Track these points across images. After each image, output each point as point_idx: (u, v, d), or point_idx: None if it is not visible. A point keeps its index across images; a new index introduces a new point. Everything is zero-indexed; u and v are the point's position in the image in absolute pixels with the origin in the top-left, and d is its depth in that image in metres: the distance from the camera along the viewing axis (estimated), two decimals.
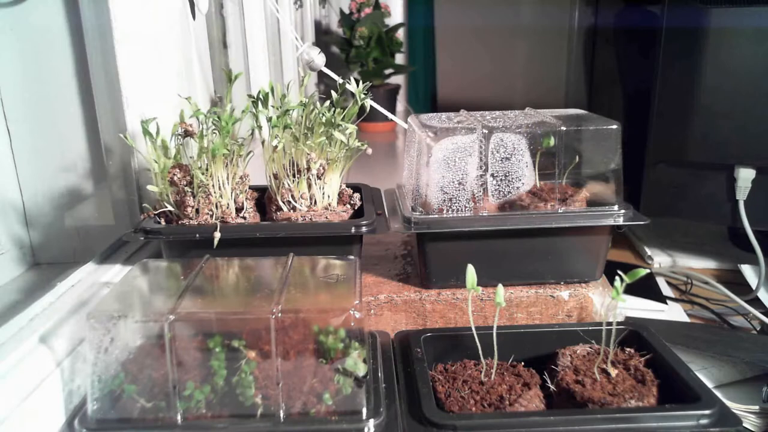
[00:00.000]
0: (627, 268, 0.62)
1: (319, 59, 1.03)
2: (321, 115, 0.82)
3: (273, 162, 0.84)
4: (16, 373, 0.57)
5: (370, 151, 0.86)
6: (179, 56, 0.99)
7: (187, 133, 0.79)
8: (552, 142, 0.81)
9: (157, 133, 0.78)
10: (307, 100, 0.84)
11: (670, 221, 1.37)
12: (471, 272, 0.63)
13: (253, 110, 0.82)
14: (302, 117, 0.84)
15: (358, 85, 0.85)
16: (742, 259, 1.19)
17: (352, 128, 0.83)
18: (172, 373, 0.57)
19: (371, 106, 0.87)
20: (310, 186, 0.83)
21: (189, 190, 0.78)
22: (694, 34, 1.05)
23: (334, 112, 0.83)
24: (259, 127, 0.83)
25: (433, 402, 0.61)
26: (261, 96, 0.82)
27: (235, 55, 1.54)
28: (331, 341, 0.58)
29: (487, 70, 2.99)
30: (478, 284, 0.63)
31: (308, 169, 0.81)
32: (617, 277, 0.61)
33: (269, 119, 0.82)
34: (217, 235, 0.75)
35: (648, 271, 0.62)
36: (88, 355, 0.58)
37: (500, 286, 0.63)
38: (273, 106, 0.83)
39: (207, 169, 0.78)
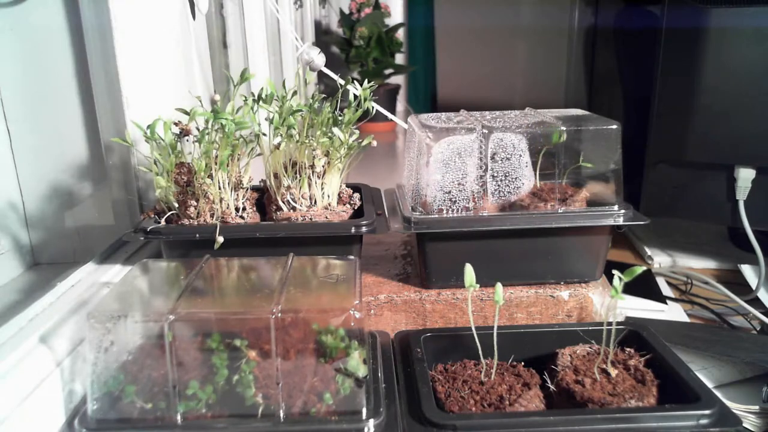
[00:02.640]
0: (627, 268, 0.62)
1: (319, 59, 1.03)
2: (325, 114, 0.83)
3: (273, 162, 0.84)
4: (16, 373, 0.57)
5: (375, 143, 0.86)
6: (179, 56, 0.99)
7: (184, 133, 0.79)
8: (560, 137, 0.80)
9: (163, 137, 0.78)
10: (311, 101, 0.84)
11: (670, 221, 1.37)
12: (469, 271, 0.63)
13: (254, 110, 0.82)
14: (304, 117, 0.84)
15: (361, 86, 0.85)
16: (742, 259, 1.19)
17: (349, 127, 0.83)
18: (172, 373, 0.57)
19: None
20: (310, 186, 0.83)
21: (190, 190, 0.78)
22: (694, 34, 1.05)
23: (335, 110, 0.83)
24: (260, 129, 0.83)
25: (433, 402, 0.61)
26: (263, 96, 0.82)
27: (235, 55, 1.54)
28: (331, 341, 0.58)
29: (487, 70, 2.99)
30: (478, 285, 0.63)
31: (312, 166, 0.81)
32: (616, 276, 0.61)
33: (271, 120, 0.82)
34: (220, 239, 0.75)
35: (645, 268, 0.62)
36: (88, 355, 0.58)
37: (499, 285, 0.63)
38: (276, 101, 0.83)
39: (207, 170, 0.78)
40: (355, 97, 0.85)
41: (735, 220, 1.10)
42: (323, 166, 0.82)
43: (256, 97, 0.82)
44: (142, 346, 0.59)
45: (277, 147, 0.83)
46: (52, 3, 0.83)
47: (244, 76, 0.81)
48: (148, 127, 0.77)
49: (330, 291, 0.66)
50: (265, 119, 0.83)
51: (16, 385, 0.56)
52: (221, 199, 0.79)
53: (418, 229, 0.80)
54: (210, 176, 0.78)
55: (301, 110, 0.81)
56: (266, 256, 0.73)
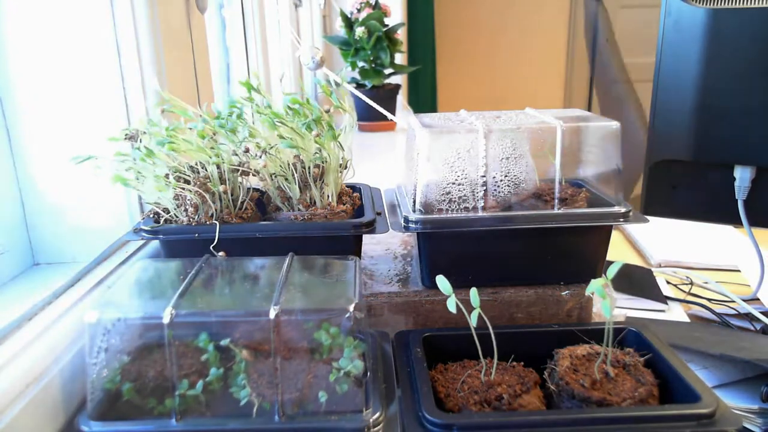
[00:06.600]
0: (626, 268, 0.62)
1: (318, 59, 1.03)
2: (319, 116, 0.83)
3: (272, 162, 0.84)
4: (16, 373, 0.57)
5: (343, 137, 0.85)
6: (180, 56, 0.99)
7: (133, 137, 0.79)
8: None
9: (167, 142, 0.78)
10: (317, 106, 0.84)
11: (670, 221, 1.37)
12: (441, 280, 0.65)
13: (251, 111, 0.82)
14: (303, 117, 0.84)
15: (358, 87, 0.85)
16: (742, 259, 1.19)
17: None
18: (171, 372, 0.57)
19: (371, 106, 0.87)
20: (309, 186, 0.83)
21: (190, 191, 0.78)
22: (694, 34, 1.05)
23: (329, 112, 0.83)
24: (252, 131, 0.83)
25: (432, 402, 0.61)
26: (262, 98, 0.82)
27: (236, 55, 1.54)
28: (330, 341, 0.58)
29: (487, 70, 3.00)
30: (477, 284, 0.64)
31: (310, 166, 0.81)
32: (598, 280, 0.61)
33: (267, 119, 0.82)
34: (222, 255, 0.75)
35: (623, 263, 0.62)
36: (87, 355, 0.58)
37: (473, 290, 0.63)
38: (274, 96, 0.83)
39: (205, 169, 0.78)
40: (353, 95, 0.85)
41: (735, 220, 1.10)
42: (320, 167, 0.82)
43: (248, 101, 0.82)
44: (141, 346, 0.59)
45: (275, 148, 0.83)
46: (53, 1, 0.83)
47: (249, 80, 0.81)
48: (145, 128, 0.77)
49: (330, 291, 0.66)
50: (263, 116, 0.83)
51: (15, 384, 0.56)
52: (221, 199, 0.79)
53: (418, 229, 0.80)
54: (209, 176, 0.78)
55: (293, 110, 0.81)
56: (266, 256, 0.73)
